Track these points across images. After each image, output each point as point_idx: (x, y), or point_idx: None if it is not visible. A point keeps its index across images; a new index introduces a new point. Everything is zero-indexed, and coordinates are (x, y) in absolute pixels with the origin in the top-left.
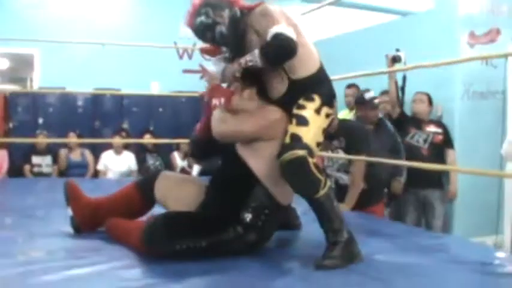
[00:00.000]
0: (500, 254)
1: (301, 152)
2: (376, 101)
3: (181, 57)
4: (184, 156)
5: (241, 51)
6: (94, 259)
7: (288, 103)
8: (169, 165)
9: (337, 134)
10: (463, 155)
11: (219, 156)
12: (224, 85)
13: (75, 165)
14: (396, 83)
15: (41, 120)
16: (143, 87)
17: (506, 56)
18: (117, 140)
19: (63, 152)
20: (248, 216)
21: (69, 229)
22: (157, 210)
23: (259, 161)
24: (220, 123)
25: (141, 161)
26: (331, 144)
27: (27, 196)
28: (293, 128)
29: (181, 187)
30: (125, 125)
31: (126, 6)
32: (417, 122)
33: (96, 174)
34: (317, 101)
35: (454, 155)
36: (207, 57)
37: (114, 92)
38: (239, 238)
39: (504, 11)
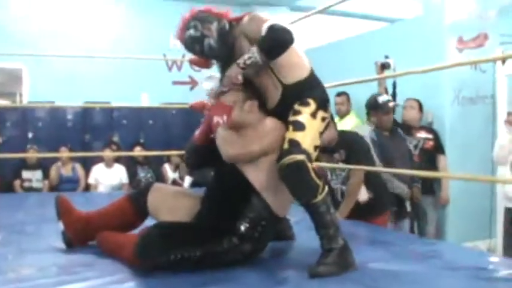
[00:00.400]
0: (494, 259)
1: (299, 157)
2: (391, 104)
3: (170, 69)
4: (176, 168)
5: (232, 62)
6: (86, 274)
7: (284, 111)
8: (160, 178)
9: (337, 147)
10: (454, 161)
11: (212, 166)
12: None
13: (66, 179)
14: (386, 90)
15: (30, 135)
16: (133, 99)
17: (494, 60)
18: (108, 153)
19: (55, 167)
20: (245, 227)
21: (61, 244)
22: (149, 222)
23: (257, 172)
24: (228, 147)
25: (132, 173)
26: (333, 158)
27: (17, 212)
28: (290, 134)
29: (174, 199)
30: (115, 138)
31: (115, 19)
32: (408, 128)
33: (87, 188)
34: (312, 105)
35: (445, 161)
36: (197, 68)
37: (103, 105)
38: (234, 248)
39: (491, 16)
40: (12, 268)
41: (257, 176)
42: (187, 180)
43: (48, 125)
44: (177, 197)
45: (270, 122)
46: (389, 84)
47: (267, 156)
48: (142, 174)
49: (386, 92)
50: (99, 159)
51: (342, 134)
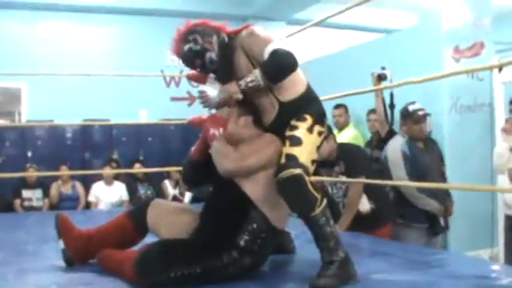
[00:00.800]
0: (496, 267)
1: (297, 171)
2: (421, 113)
3: (168, 85)
4: (176, 184)
5: (230, 76)
6: None
7: (281, 127)
8: (160, 194)
9: (337, 160)
10: (453, 169)
11: (210, 182)
12: (214, 110)
13: (66, 198)
14: (383, 100)
15: (30, 154)
16: (132, 116)
17: (491, 68)
18: (108, 171)
19: (55, 185)
20: (244, 241)
21: (61, 263)
22: (149, 239)
23: (254, 185)
24: (225, 161)
25: (132, 190)
26: (333, 171)
27: (17, 231)
28: (287, 149)
29: (174, 215)
30: (115, 155)
31: (112, 37)
32: None
33: (87, 206)
34: (309, 120)
35: (445, 170)
36: (195, 84)
37: (102, 123)
38: (234, 263)
39: (487, 24)
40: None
41: (254, 189)
42: (188, 196)
43: (47, 143)
44: (177, 213)
45: (267, 137)
46: (386, 95)
47: (264, 171)
48: (143, 191)
49: (384, 103)
50: (99, 177)
51: (341, 146)
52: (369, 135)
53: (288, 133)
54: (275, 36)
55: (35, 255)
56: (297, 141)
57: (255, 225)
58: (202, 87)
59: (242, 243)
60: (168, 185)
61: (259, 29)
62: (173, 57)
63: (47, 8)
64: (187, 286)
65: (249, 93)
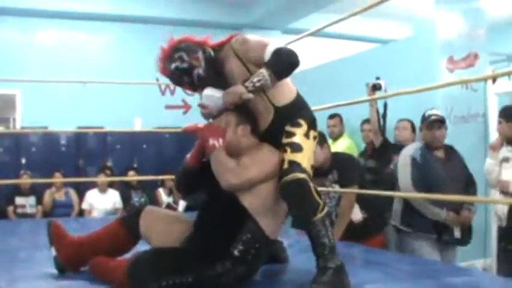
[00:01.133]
0: (488, 278)
1: (301, 175)
2: (433, 118)
3: (163, 93)
4: (170, 193)
5: (222, 86)
6: None
7: (276, 131)
8: (154, 202)
9: (330, 168)
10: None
11: (203, 190)
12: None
13: (60, 205)
14: (377, 111)
15: (23, 161)
16: (126, 124)
17: (485, 79)
18: (102, 179)
19: (48, 193)
20: (238, 250)
21: (53, 271)
22: (141, 247)
23: (251, 196)
24: (227, 175)
25: (126, 198)
26: (327, 180)
27: (10, 238)
28: (289, 156)
29: (167, 223)
30: (109, 163)
31: (107, 44)
32: (400, 149)
33: (81, 213)
34: (304, 125)
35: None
36: (189, 92)
37: (96, 130)
38: (227, 272)
39: (481, 35)
40: None
41: (251, 200)
42: (182, 204)
43: (41, 150)
44: (170, 221)
45: (267, 148)
46: (380, 105)
47: (263, 182)
48: (136, 198)
49: (378, 114)
50: (93, 185)
51: (335, 155)
52: (363, 145)
53: (287, 140)
54: (268, 38)
55: (28, 262)
56: (297, 148)
57: (249, 235)
58: (205, 91)
59: (236, 253)
60: (162, 193)
61: (250, 35)
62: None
63: (42, 15)
64: None
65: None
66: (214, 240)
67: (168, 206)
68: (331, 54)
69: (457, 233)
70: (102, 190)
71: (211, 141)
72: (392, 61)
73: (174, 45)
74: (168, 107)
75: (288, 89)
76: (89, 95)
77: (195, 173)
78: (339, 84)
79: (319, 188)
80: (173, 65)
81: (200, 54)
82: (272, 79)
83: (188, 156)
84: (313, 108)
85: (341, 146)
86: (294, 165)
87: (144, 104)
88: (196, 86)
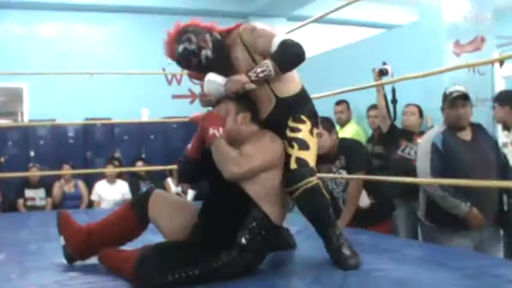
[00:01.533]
0: (498, 262)
1: (314, 180)
2: (455, 95)
3: (170, 83)
4: (178, 182)
5: (227, 72)
6: None
7: (275, 122)
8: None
9: (337, 154)
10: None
11: (205, 178)
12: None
13: (69, 197)
14: (385, 96)
15: (32, 153)
16: (134, 114)
17: (492, 62)
18: (110, 170)
19: (57, 185)
20: (245, 239)
21: (63, 262)
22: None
23: (255, 184)
24: (230, 165)
25: (134, 189)
26: (334, 166)
27: (20, 231)
28: (297, 153)
29: (175, 208)
30: (117, 154)
31: (113, 35)
32: (408, 134)
33: (90, 205)
34: (308, 122)
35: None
36: (196, 81)
37: (104, 121)
38: (234, 261)
39: (487, 18)
40: (15, 287)
41: (255, 187)
42: (191, 193)
43: (49, 143)
44: (177, 207)
45: (268, 135)
46: (388, 90)
47: (266, 170)
48: (145, 189)
49: (386, 99)
50: (102, 176)
51: (343, 141)
52: (370, 132)
53: (292, 134)
54: (276, 29)
55: (38, 254)
56: (305, 146)
57: (255, 223)
58: (208, 76)
59: (243, 241)
60: (170, 182)
61: (259, 24)
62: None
63: (48, 7)
64: (187, 287)
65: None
66: (219, 230)
67: (177, 196)
68: (337, 40)
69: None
70: (111, 181)
71: (211, 131)
72: (398, 46)
73: (181, 28)
74: (174, 96)
75: (292, 82)
76: (96, 86)
77: (196, 163)
78: (345, 71)
79: (326, 175)
80: (181, 47)
81: (208, 37)
82: (276, 71)
83: (189, 146)
84: (320, 94)
85: (348, 132)
86: (303, 166)
87: (151, 94)
88: (204, 68)
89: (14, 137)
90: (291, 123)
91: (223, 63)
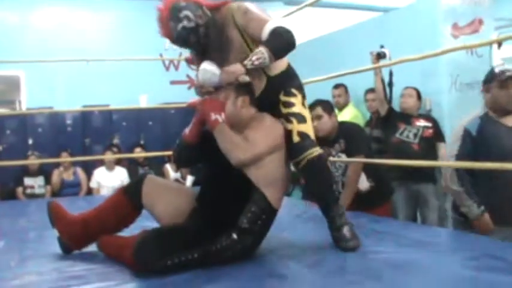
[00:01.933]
0: (497, 245)
1: (318, 150)
2: (509, 73)
3: (167, 68)
4: (177, 168)
5: (220, 50)
6: (88, 279)
7: (268, 99)
8: (162, 178)
9: (337, 137)
10: (454, 148)
11: (203, 162)
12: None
13: (68, 184)
14: (382, 79)
15: (30, 141)
16: (132, 101)
17: (490, 43)
18: (109, 156)
19: (56, 172)
20: (246, 222)
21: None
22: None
23: (257, 168)
24: (236, 151)
25: (133, 175)
26: (333, 149)
27: (19, 218)
28: (297, 126)
29: (171, 193)
30: (116, 140)
31: (110, 21)
32: (406, 117)
33: (89, 192)
34: (298, 95)
35: (445, 149)
36: (194, 67)
37: (102, 108)
38: (233, 245)
39: (485, 0)
40: (14, 275)
41: (256, 172)
42: (189, 179)
43: (47, 130)
44: (173, 191)
45: (269, 121)
46: (385, 74)
47: (268, 156)
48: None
49: (383, 82)
50: (100, 163)
51: (342, 124)
52: (368, 115)
53: (287, 110)
54: (269, 14)
55: (37, 242)
56: (302, 119)
57: (256, 207)
58: (202, 65)
59: (244, 224)
60: (169, 168)
61: (252, 6)
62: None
63: None
64: (186, 271)
65: None
66: (218, 214)
67: (176, 182)
68: (334, 24)
69: None
70: (110, 168)
71: (213, 116)
72: (396, 29)
73: (173, 5)
74: (173, 82)
75: (281, 60)
76: (93, 73)
77: (194, 147)
78: (343, 55)
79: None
80: (180, 25)
81: (201, 13)
82: (271, 59)
83: (187, 131)
84: (317, 78)
85: (347, 115)
86: (305, 139)
87: (149, 81)
88: (201, 46)
89: (12, 126)
90: (283, 98)
91: (217, 41)
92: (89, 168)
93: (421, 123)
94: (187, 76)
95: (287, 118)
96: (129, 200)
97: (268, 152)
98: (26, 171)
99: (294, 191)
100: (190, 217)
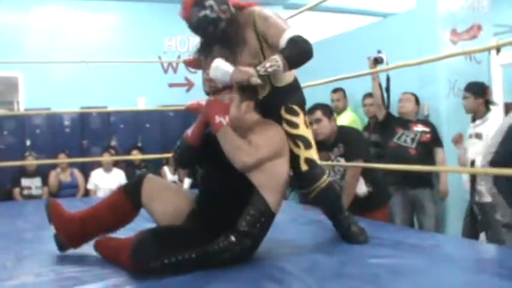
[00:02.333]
0: (494, 250)
1: (327, 178)
2: None
3: (166, 71)
4: (175, 171)
5: (233, 49)
6: (84, 279)
7: (267, 108)
8: None
9: (336, 142)
10: (452, 153)
11: (202, 163)
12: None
13: (65, 185)
14: (380, 84)
15: (28, 142)
16: (130, 103)
17: (488, 49)
18: (107, 158)
19: (54, 173)
20: (245, 225)
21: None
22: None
23: (258, 172)
24: (241, 155)
25: (131, 177)
26: (332, 153)
27: (16, 219)
28: (304, 153)
29: (170, 194)
30: (113, 142)
31: (108, 23)
32: (404, 122)
33: (86, 193)
34: (300, 113)
35: (443, 154)
36: (192, 69)
37: (100, 110)
38: (232, 247)
39: (484, 6)
40: (10, 275)
41: (259, 176)
42: (187, 182)
43: (45, 131)
44: (172, 193)
45: (272, 127)
46: (383, 78)
47: (270, 161)
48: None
49: (381, 87)
50: (98, 164)
51: (341, 128)
52: (366, 120)
53: (293, 131)
54: (288, 21)
55: (34, 242)
56: (308, 144)
57: (256, 211)
58: (216, 61)
59: (242, 227)
60: (166, 171)
61: (274, 13)
62: (170, 43)
63: None
64: (183, 272)
65: None
66: (217, 216)
67: None
68: (333, 29)
69: None
70: (107, 170)
71: (217, 118)
72: (394, 35)
73: None
74: (171, 85)
75: (289, 73)
76: (92, 75)
77: (196, 149)
78: (342, 60)
79: (324, 163)
80: (202, 13)
81: (226, 7)
82: (285, 67)
83: (189, 132)
84: (315, 82)
85: (345, 120)
86: (313, 166)
87: (147, 83)
88: (216, 39)
89: (10, 126)
90: (285, 115)
91: (233, 39)
92: (86, 170)
93: (419, 128)
94: (186, 79)
95: (294, 141)
96: (128, 199)
97: (271, 156)
98: (24, 172)
99: (291, 194)
100: (189, 219)
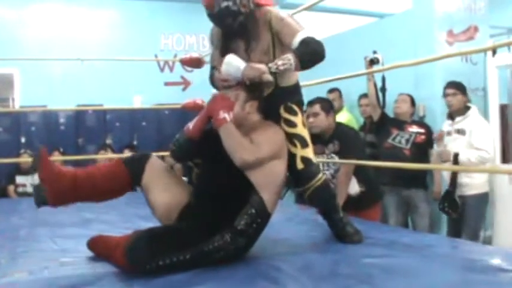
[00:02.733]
0: (487, 249)
1: (322, 176)
2: None
3: (162, 69)
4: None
5: (246, 44)
6: (78, 278)
7: (267, 107)
8: None
9: (332, 138)
10: None
11: (199, 158)
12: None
13: None
14: (375, 85)
15: (23, 140)
16: (126, 101)
17: (484, 50)
18: (102, 156)
19: None
20: (242, 224)
21: (53, 247)
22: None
23: (258, 172)
24: (242, 152)
25: None
26: (327, 149)
27: (10, 216)
28: (300, 152)
29: (171, 181)
30: (109, 141)
31: (106, 21)
32: (399, 122)
33: None
34: (299, 113)
35: None
36: (189, 68)
37: (96, 108)
38: (227, 246)
39: (481, 8)
40: (4, 273)
41: (258, 175)
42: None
43: (41, 129)
44: (173, 180)
45: (273, 129)
46: (378, 78)
47: (270, 161)
48: None
49: (376, 87)
50: (93, 163)
51: (339, 126)
52: (362, 120)
53: (290, 130)
54: (302, 23)
55: (28, 240)
56: (305, 143)
57: (253, 210)
58: (228, 57)
59: (240, 226)
60: None
61: (288, 16)
62: (167, 42)
63: None
64: (178, 271)
65: None
66: (212, 213)
67: None
68: (329, 28)
69: None
70: None
71: (221, 114)
72: (390, 35)
73: None
74: (167, 83)
75: (293, 73)
76: (88, 72)
77: (195, 143)
78: (338, 60)
79: (319, 159)
80: (225, 4)
81: (247, 2)
82: (297, 67)
83: (190, 126)
84: (311, 82)
85: (341, 120)
86: (309, 165)
87: (143, 81)
88: (231, 32)
89: (5, 123)
90: (284, 114)
91: (247, 35)
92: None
93: (414, 129)
94: (182, 77)
95: (291, 140)
96: (130, 172)
97: (270, 156)
98: (18, 170)
99: (286, 193)
100: (183, 215)
